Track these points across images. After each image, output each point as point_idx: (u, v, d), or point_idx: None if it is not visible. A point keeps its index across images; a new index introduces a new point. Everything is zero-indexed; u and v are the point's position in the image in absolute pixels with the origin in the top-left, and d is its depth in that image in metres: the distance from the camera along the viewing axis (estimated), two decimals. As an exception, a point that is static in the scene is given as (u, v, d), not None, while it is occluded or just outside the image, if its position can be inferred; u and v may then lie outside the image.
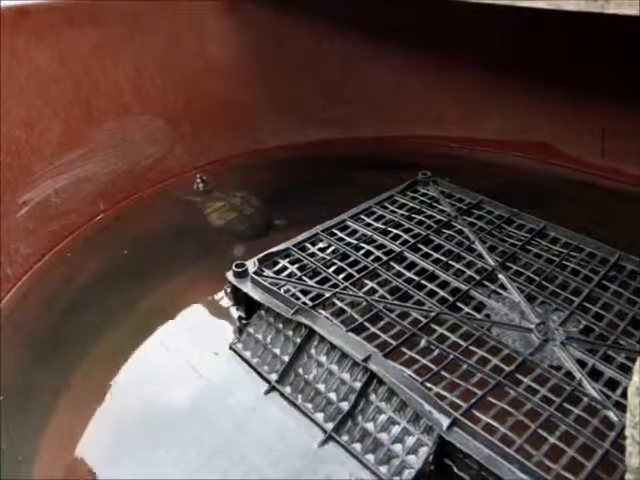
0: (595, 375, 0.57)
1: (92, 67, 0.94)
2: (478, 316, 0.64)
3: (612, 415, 0.52)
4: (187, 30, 1.08)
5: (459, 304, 0.66)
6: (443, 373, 0.56)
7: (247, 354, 0.66)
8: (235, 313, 0.74)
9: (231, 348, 0.68)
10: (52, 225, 0.90)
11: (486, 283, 0.70)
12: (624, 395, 0.54)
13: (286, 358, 0.63)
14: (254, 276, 0.68)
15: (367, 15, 1.07)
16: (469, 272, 0.72)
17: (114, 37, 0.98)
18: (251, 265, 0.70)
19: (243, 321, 0.71)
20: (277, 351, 0.64)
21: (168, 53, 1.07)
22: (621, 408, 0.52)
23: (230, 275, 0.70)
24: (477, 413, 0.51)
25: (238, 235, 0.96)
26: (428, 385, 0.55)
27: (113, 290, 0.84)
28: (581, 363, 0.58)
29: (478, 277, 0.70)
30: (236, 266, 0.69)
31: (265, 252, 0.73)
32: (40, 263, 0.87)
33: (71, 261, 0.89)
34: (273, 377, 0.63)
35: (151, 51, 1.05)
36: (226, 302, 0.76)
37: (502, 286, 0.69)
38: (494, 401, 0.53)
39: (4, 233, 0.82)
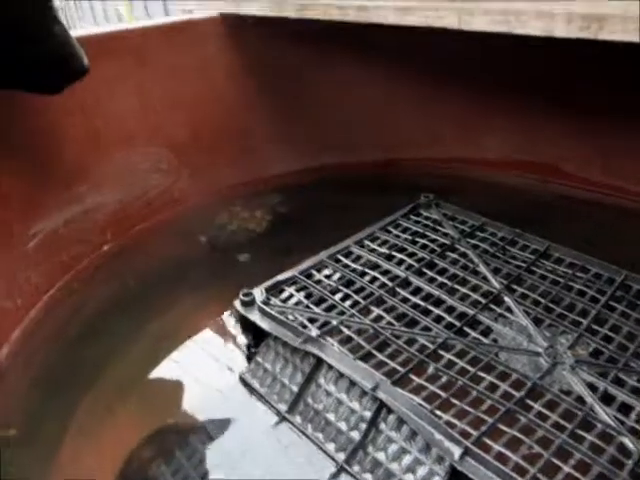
0: (607, 399, 0.57)
1: (101, 98, 0.95)
2: (486, 341, 0.65)
3: (628, 442, 0.52)
4: (190, 61, 1.09)
5: (466, 329, 0.67)
6: (452, 400, 0.56)
7: (256, 383, 0.66)
8: (243, 341, 0.74)
9: (240, 378, 0.68)
10: (61, 255, 0.91)
11: (492, 307, 0.70)
12: (639, 421, 0.54)
13: (295, 387, 0.63)
14: (261, 305, 0.69)
15: (365, 41, 1.08)
16: (475, 296, 0.72)
17: (120, 70, 0.99)
18: (258, 293, 0.71)
19: (251, 349, 0.71)
20: (286, 380, 0.64)
21: (172, 84, 1.08)
22: (637, 434, 0.52)
23: (238, 304, 0.70)
24: (488, 441, 0.51)
25: (243, 260, 0.96)
26: (438, 413, 0.55)
27: (121, 319, 0.84)
28: (592, 387, 0.58)
29: (484, 301, 0.71)
30: (243, 295, 0.70)
31: (271, 280, 0.73)
32: (50, 293, 0.88)
33: (80, 291, 0.90)
34: (282, 407, 0.63)
35: (156, 82, 1.06)
36: (234, 329, 0.76)
37: (508, 309, 0.70)
38: (505, 428, 0.52)
39: (16, 264, 0.83)
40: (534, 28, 0.66)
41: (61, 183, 0.94)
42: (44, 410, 0.71)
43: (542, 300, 0.70)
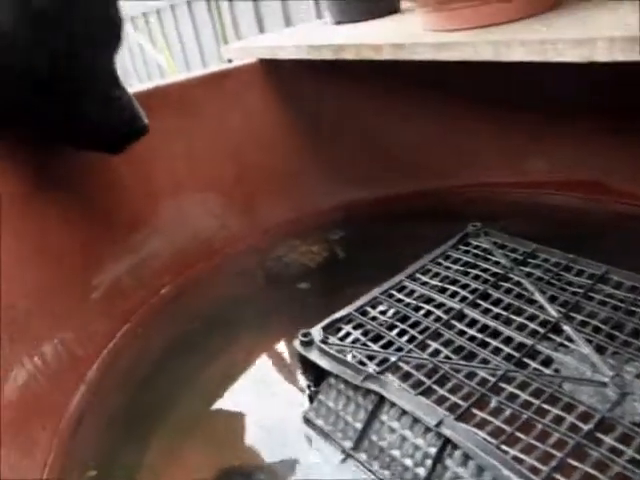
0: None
1: (153, 149, 1.00)
2: (547, 372, 0.64)
3: None
4: (233, 107, 1.14)
5: (526, 360, 0.66)
6: (518, 434, 0.56)
7: (320, 421, 0.67)
8: (304, 379, 0.75)
9: (304, 416, 0.69)
10: (124, 303, 0.95)
11: (551, 336, 0.69)
12: None
13: (359, 425, 0.63)
14: (320, 344, 0.70)
15: (402, 75, 1.10)
16: (532, 325, 0.71)
17: (168, 120, 1.04)
18: (316, 333, 0.72)
19: (313, 388, 0.72)
20: (349, 418, 0.65)
21: (217, 130, 1.12)
22: None
23: (297, 344, 0.72)
24: (560, 478, 0.51)
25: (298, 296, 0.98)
26: (504, 448, 0.54)
27: (183, 361, 0.88)
28: (666, 417, 0.57)
29: (542, 330, 0.70)
30: (302, 335, 0.72)
31: (328, 319, 0.75)
32: (115, 339, 0.92)
33: (143, 335, 0.94)
34: (347, 444, 0.63)
35: (201, 130, 1.10)
36: (293, 367, 0.78)
37: (568, 338, 0.69)
38: (576, 464, 0.51)
39: (83, 314, 0.88)
40: (573, 55, 0.67)
41: (119, 233, 0.99)
42: (118, 450, 0.74)
43: (603, 327, 0.69)
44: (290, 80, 1.18)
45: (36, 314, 0.81)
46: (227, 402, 0.79)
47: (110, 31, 0.80)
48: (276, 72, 1.18)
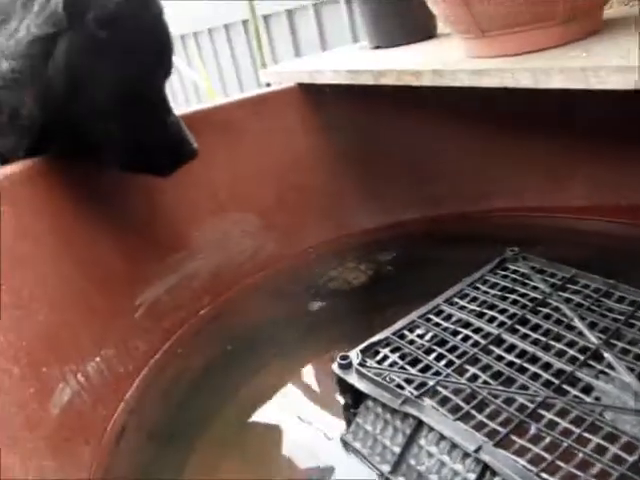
0: None
1: (195, 171, 1.02)
2: (587, 399, 0.63)
3: None
4: (272, 129, 1.16)
5: (565, 387, 0.66)
6: (558, 463, 0.56)
7: (357, 445, 0.68)
8: (341, 401, 0.75)
9: (341, 439, 0.70)
10: (164, 322, 0.98)
11: (591, 363, 0.69)
12: None
13: (397, 449, 0.64)
14: (358, 367, 0.71)
15: (440, 98, 1.11)
16: (572, 352, 0.71)
17: (211, 143, 1.06)
18: (354, 356, 0.73)
19: (351, 410, 0.73)
20: (387, 442, 0.65)
21: (256, 152, 1.15)
22: None
23: (335, 367, 0.72)
24: (602, 508, 0.51)
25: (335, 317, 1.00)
26: (544, 476, 0.54)
27: (221, 380, 0.90)
28: None
29: (582, 357, 0.69)
30: (341, 358, 0.72)
31: (366, 342, 0.75)
32: (155, 358, 0.94)
33: (182, 355, 0.96)
34: (385, 468, 0.64)
35: (240, 152, 1.13)
36: (331, 389, 0.78)
37: (609, 365, 0.68)
38: (620, 495, 0.51)
39: (126, 333, 0.91)
40: (616, 83, 0.67)
41: (161, 254, 1.02)
42: (158, 465, 0.76)
43: (645, 355, 0.69)
44: (328, 103, 1.21)
45: (82, 332, 0.84)
46: (264, 421, 0.81)
47: (167, 58, 0.84)
48: (314, 95, 1.20)
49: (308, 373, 0.87)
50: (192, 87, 3.10)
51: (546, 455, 0.56)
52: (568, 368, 0.68)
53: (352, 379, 0.71)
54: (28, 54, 0.75)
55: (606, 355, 0.70)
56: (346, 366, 0.72)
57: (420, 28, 1.20)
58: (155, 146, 0.86)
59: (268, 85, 1.32)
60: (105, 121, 0.81)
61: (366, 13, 1.23)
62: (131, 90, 0.80)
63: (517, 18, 0.78)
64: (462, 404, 0.64)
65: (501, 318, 0.79)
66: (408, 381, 0.69)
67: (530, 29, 0.79)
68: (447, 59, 0.92)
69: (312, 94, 1.20)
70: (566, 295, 0.82)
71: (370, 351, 0.75)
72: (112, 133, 0.83)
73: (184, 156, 0.89)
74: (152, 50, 0.82)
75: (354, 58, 1.23)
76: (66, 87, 0.76)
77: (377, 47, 1.24)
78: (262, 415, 0.81)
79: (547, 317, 0.78)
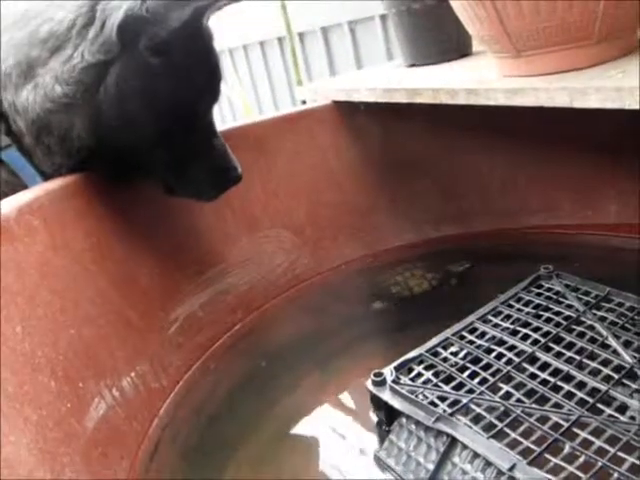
0: None
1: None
2: (623, 418, 0.63)
3: None
4: (307, 146, 1.18)
5: (600, 405, 0.66)
6: (594, 483, 0.56)
7: (391, 462, 0.68)
8: (374, 418, 0.76)
9: (375, 456, 0.70)
10: (198, 338, 0.99)
11: (626, 382, 0.69)
12: None
13: (430, 466, 0.64)
14: (392, 384, 0.72)
15: (473, 116, 1.12)
16: (606, 370, 0.71)
17: (244, 159, 1.08)
18: (388, 373, 0.74)
19: (384, 427, 0.73)
20: (421, 459, 0.65)
21: (290, 169, 1.17)
22: None
23: (369, 384, 0.73)
24: (637, 529, 0.50)
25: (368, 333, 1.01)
26: (579, 496, 0.54)
27: (254, 397, 0.91)
28: None
29: (617, 376, 0.69)
30: (374, 375, 0.73)
31: (400, 359, 0.76)
32: (189, 373, 0.96)
33: (215, 370, 0.97)
34: (419, 485, 0.64)
35: (275, 168, 1.16)
36: (365, 406, 0.79)
37: (644, 385, 0.68)
38: (655, 517, 0.51)
39: (161, 348, 0.92)
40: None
41: (195, 269, 1.03)
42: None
43: (681, 375, 0.68)
44: (363, 121, 1.22)
45: (117, 348, 0.86)
46: (297, 438, 0.81)
47: (217, 84, 0.87)
48: (348, 113, 1.22)
49: (343, 389, 0.88)
50: (227, 104, 3.15)
51: (580, 474, 0.57)
52: (602, 387, 0.68)
53: (386, 396, 0.71)
54: (81, 80, 0.78)
55: (642, 375, 0.70)
56: (380, 383, 0.73)
57: (455, 46, 1.21)
58: (201, 172, 0.88)
59: (304, 102, 1.35)
60: (153, 146, 0.83)
61: (401, 31, 1.25)
62: (180, 116, 0.82)
63: (552, 38, 0.79)
64: (496, 422, 0.65)
65: (535, 336, 0.79)
66: (441, 398, 0.70)
67: (565, 49, 0.79)
68: (482, 77, 0.93)
69: (346, 111, 1.22)
70: (600, 313, 0.82)
71: (404, 368, 0.76)
72: (159, 158, 0.85)
73: (229, 182, 0.91)
74: (202, 77, 0.84)
75: (389, 76, 1.24)
76: (117, 113, 0.79)
77: (412, 65, 1.25)
78: (296, 432, 0.82)
79: (581, 335, 0.78)
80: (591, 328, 0.79)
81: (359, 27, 2.19)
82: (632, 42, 0.84)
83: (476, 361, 0.76)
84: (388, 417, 0.72)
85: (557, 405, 0.67)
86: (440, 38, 1.20)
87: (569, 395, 0.68)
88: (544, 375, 0.71)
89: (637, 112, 0.71)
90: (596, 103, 0.72)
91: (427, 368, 0.76)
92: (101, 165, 0.87)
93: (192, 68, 0.82)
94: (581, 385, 0.69)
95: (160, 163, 0.86)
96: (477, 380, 0.72)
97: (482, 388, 0.70)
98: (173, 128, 0.82)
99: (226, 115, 3.20)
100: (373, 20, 2.09)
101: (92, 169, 0.88)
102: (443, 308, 1.00)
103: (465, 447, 0.63)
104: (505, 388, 0.70)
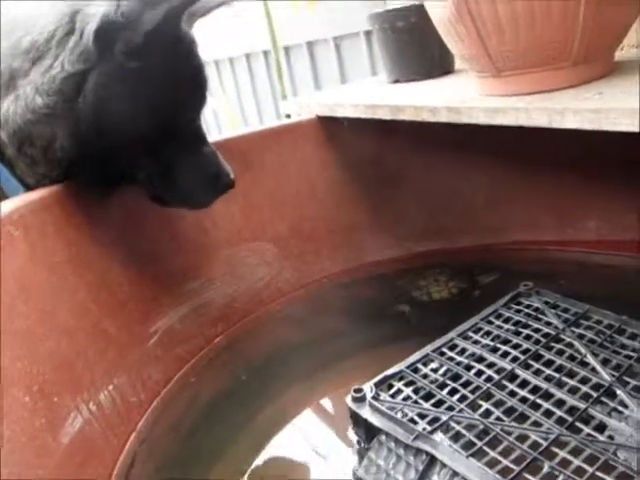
0: None
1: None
2: (601, 438, 0.64)
3: None
4: (290, 160, 1.19)
5: (578, 424, 0.66)
6: (571, 502, 0.56)
7: (369, 480, 0.68)
8: (354, 435, 0.76)
9: (353, 473, 0.70)
10: (178, 350, 0.98)
11: (604, 400, 0.69)
12: None
13: (409, 485, 0.64)
14: (372, 401, 0.71)
15: (456, 134, 1.13)
16: (585, 388, 0.71)
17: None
18: (368, 390, 0.73)
19: (363, 444, 0.73)
20: (400, 477, 0.65)
21: (274, 182, 1.17)
22: None
23: (349, 400, 0.73)
24: None
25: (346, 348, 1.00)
26: (557, 515, 0.55)
27: (232, 411, 0.90)
28: None
29: (595, 394, 0.70)
30: (354, 391, 0.73)
31: (380, 375, 0.76)
32: (168, 386, 0.95)
33: (195, 383, 0.97)
34: (397, 504, 0.64)
35: (258, 182, 1.15)
36: (344, 422, 0.78)
37: (622, 403, 0.68)
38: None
39: (139, 361, 0.91)
40: (626, 125, 0.69)
41: (175, 282, 1.03)
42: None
43: (658, 393, 0.69)
44: (347, 136, 1.23)
45: (95, 361, 0.85)
46: (275, 455, 0.81)
47: (200, 89, 0.86)
48: (332, 127, 1.23)
49: (324, 404, 0.88)
50: (212, 115, 3.15)
51: (559, 494, 0.57)
52: (581, 405, 0.68)
53: (365, 413, 0.71)
54: (61, 90, 0.77)
55: (619, 392, 0.70)
56: (360, 399, 0.73)
57: (438, 64, 1.22)
58: (190, 178, 0.87)
59: (288, 116, 1.35)
60: (136, 154, 0.83)
61: (385, 48, 1.26)
62: (163, 121, 0.81)
63: (531, 59, 0.80)
64: (475, 440, 0.65)
65: (515, 353, 0.79)
66: (421, 416, 0.70)
67: (544, 70, 0.80)
68: (464, 96, 0.94)
69: (330, 126, 1.23)
70: (579, 331, 0.82)
71: (384, 384, 0.76)
72: (145, 166, 0.85)
73: (221, 187, 0.89)
74: (184, 81, 0.83)
75: (373, 92, 1.25)
76: (96, 120, 0.78)
77: (396, 81, 1.26)
78: (275, 447, 0.81)
79: (560, 353, 0.79)
80: (570, 345, 0.80)
81: (344, 42, 2.21)
82: (609, 64, 0.85)
83: (456, 378, 0.76)
84: (367, 434, 0.72)
85: (536, 423, 0.67)
86: (423, 55, 1.21)
87: (548, 413, 0.68)
88: (523, 393, 0.72)
89: (615, 133, 0.72)
90: (574, 124, 0.73)
91: (407, 384, 0.76)
92: (85, 175, 0.86)
93: (172, 72, 0.81)
94: (560, 403, 0.70)
95: (146, 172, 0.85)
96: (457, 397, 0.72)
97: (462, 405, 0.70)
98: (156, 134, 0.81)
99: (211, 127, 3.20)
100: (358, 36, 2.11)
101: (76, 179, 0.88)
102: (425, 323, 1.00)
103: (444, 466, 0.63)
104: (485, 406, 0.70)
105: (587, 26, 0.75)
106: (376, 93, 1.23)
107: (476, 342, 0.83)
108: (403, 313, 1.07)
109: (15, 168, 0.86)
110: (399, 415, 0.70)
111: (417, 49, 1.21)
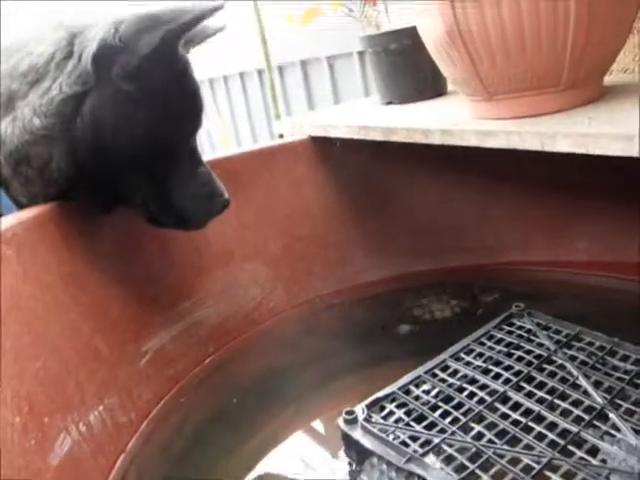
0: None
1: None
2: (594, 462, 0.63)
3: None
4: (283, 180, 1.19)
5: (571, 447, 0.66)
6: (564, 526, 0.56)
7: (361, 503, 0.68)
8: (346, 457, 0.75)
9: (345, 498, 0.70)
10: (169, 370, 0.98)
11: (597, 423, 0.69)
12: None
13: (401, 508, 0.64)
14: (364, 423, 0.71)
15: (447, 155, 1.14)
16: (577, 411, 0.71)
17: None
18: (360, 411, 0.73)
19: (355, 467, 0.72)
20: (391, 501, 0.65)
21: (266, 202, 1.18)
22: None
23: (341, 422, 0.73)
24: None
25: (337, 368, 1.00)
26: (549, 540, 0.54)
27: (223, 432, 0.89)
28: None
29: (587, 417, 0.70)
30: (346, 413, 0.73)
31: (372, 397, 0.76)
32: (158, 407, 0.94)
33: (185, 404, 0.96)
34: (388, 527, 0.64)
35: (251, 201, 1.16)
36: (336, 444, 0.78)
37: (614, 426, 0.68)
38: None
39: (130, 381, 0.91)
40: (614, 150, 0.70)
41: (167, 302, 1.03)
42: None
43: (650, 417, 0.69)
44: (339, 156, 1.23)
45: (86, 381, 0.84)
46: (266, 477, 0.80)
47: (196, 111, 0.87)
48: (325, 148, 1.23)
49: (316, 426, 0.87)
50: (205, 134, 3.16)
51: (551, 518, 0.57)
52: (574, 428, 0.68)
53: (357, 435, 0.71)
54: (59, 112, 0.78)
55: (611, 416, 0.70)
56: (352, 421, 0.72)
57: (430, 86, 1.23)
58: (186, 200, 0.87)
59: (281, 136, 1.36)
60: (133, 175, 0.83)
61: (378, 70, 1.27)
62: (159, 143, 0.82)
63: (523, 83, 0.81)
64: (467, 463, 0.65)
65: (507, 375, 0.79)
66: (413, 438, 0.70)
67: (535, 94, 0.82)
68: (456, 118, 0.95)
69: (323, 146, 1.23)
70: (571, 352, 0.83)
71: (376, 406, 0.76)
72: (141, 187, 0.85)
73: (215, 207, 0.90)
74: (180, 102, 0.84)
75: (366, 113, 1.27)
76: (93, 142, 0.79)
77: (389, 103, 1.27)
78: (266, 469, 0.81)
79: (552, 375, 0.79)
80: (562, 367, 0.80)
81: (337, 62, 2.23)
82: (598, 89, 0.87)
83: (448, 400, 0.76)
84: (359, 456, 0.72)
85: (528, 446, 0.67)
86: (416, 78, 1.22)
87: (540, 436, 0.68)
88: (515, 415, 0.72)
89: (604, 156, 0.73)
90: (565, 148, 0.74)
91: (399, 406, 0.75)
92: (81, 195, 0.87)
93: (168, 93, 0.82)
94: (552, 426, 0.70)
95: (141, 192, 0.85)
96: (449, 419, 0.72)
97: (454, 428, 0.70)
98: (152, 156, 0.82)
99: (205, 146, 3.21)
100: (351, 56, 2.13)
101: (70, 198, 0.88)
102: (417, 344, 1.00)
103: (436, 489, 0.63)
104: (477, 428, 0.70)
105: (576, 52, 0.77)
106: (369, 114, 1.24)
107: (468, 364, 0.83)
108: (397, 333, 1.07)
109: (9, 187, 0.86)
110: (391, 437, 0.69)
111: (410, 71, 1.22)
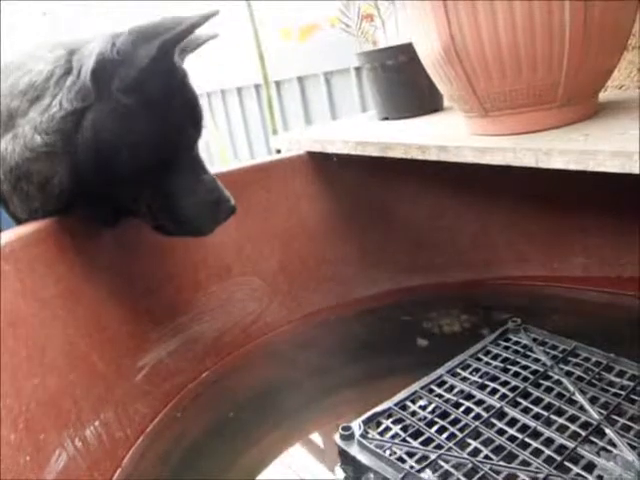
0: None
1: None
2: (590, 478, 0.63)
3: None
4: (280, 195, 1.20)
5: (567, 463, 0.66)
6: (560, 543, 0.56)
7: (358, 520, 0.67)
8: (342, 473, 0.75)
9: (342, 514, 0.69)
10: (165, 385, 0.98)
11: (593, 439, 0.69)
12: None
13: (397, 525, 0.64)
14: (360, 439, 0.71)
15: (444, 171, 1.15)
16: (573, 427, 0.71)
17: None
18: (356, 427, 0.73)
19: (351, 483, 0.73)
20: (388, 517, 0.65)
21: (263, 217, 1.18)
22: None
23: (337, 438, 0.73)
24: None
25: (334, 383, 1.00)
26: None
27: (219, 447, 0.89)
28: None
29: (583, 433, 0.70)
30: (342, 429, 0.73)
31: (369, 413, 0.76)
32: (155, 422, 0.94)
33: (181, 419, 0.96)
34: None
35: (248, 216, 1.16)
36: (332, 460, 0.78)
37: (611, 442, 0.68)
38: None
39: (126, 396, 0.91)
40: (612, 166, 0.70)
41: (164, 317, 1.03)
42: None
43: (646, 432, 0.69)
44: (336, 171, 1.24)
45: (82, 396, 0.84)
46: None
47: (196, 119, 0.87)
48: (322, 163, 1.24)
49: (312, 441, 0.87)
50: (204, 146, 3.16)
51: (548, 535, 0.56)
52: (570, 444, 0.68)
53: (354, 450, 0.71)
54: (60, 129, 0.78)
55: (607, 431, 0.70)
56: (348, 437, 0.72)
57: (427, 101, 1.25)
58: (192, 207, 0.87)
59: (278, 151, 1.37)
60: (136, 186, 0.83)
61: (374, 86, 1.28)
62: (161, 153, 0.82)
63: (519, 100, 0.81)
64: (464, 479, 0.65)
65: (503, 390, 0.79)
66: (410, 454, 0.69)
67: (531, 111, 0.82)
68: (452, 135, 0.95)
69: (320, 162, 1.24)
70: (567, 368, 0.83)
71: (372, 422, 0.76)
72: (146, 198, 0.85)
73: (222, 214, 0.90)
74: (179, 112, 0.84)
75: (363, 129, 1.27)
76: (95, 156, 0.79)
77: (385, 118, 1.28)
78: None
79: (548, 390, 0.79)
80: (558, 383, 0.80)
81: (334, 78, 2.24)
82: (593, 106, 0.88)
83: (444, 415, 0.76)
84: (356, 472, 0.71)
85: (525, 462, 0.67)
86: (413, 94, 1.23)
87: (537, 452, 0.68)
88: (512, 431, 0.72)
89: (599, 172, 0.74)
90: (560, 164, 0.74)
91: (396, 422, 0.75)
92: (84, 209, 0.87)
93: (168, 103, 0.82)
94: (549, 442, 0.70)
95: (147, 203, 0.86)
96: (445, 435, 0.72)
97: (450, 444, 0.70)
98: (155, 167, 0.82)
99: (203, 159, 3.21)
100: (348, 71, 2.15)
101: (70, 213, 0.88)
102: (413, 359, 1.00)
103: (433, 505, 0.63)
104: (473, 444, 0.70)
105: (572, 69, 0.78)
106: (366, 130, 1.25)
107: (465, 379, 0.83)
108: (394, 348, 1.07)
109: (9, 203, 0.86)
110: (387, 453, 0.69)
111: (406, 87, 1.24)
